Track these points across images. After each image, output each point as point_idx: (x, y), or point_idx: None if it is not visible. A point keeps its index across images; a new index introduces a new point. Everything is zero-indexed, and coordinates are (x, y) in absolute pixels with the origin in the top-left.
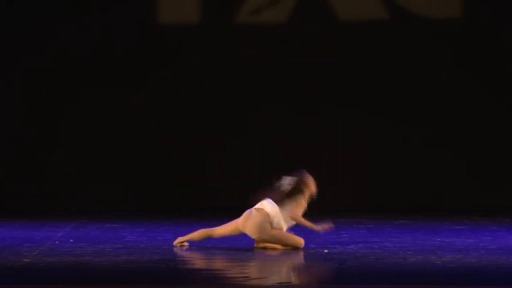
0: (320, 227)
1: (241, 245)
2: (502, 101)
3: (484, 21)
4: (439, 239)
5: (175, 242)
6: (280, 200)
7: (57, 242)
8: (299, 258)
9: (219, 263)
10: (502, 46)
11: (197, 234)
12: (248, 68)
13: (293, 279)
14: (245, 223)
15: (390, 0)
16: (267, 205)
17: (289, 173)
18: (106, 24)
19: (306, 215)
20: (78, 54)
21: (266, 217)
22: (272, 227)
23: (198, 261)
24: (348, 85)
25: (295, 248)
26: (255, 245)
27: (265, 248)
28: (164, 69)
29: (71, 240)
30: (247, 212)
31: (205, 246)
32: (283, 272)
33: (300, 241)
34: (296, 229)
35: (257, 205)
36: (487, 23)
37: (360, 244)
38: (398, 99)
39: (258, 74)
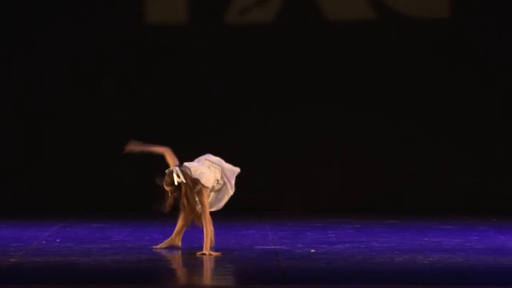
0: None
1: (229, 245)
2: (493, 102)
3: (473, 21)
4: (426, 239)
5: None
6: None
7: (43, 242)
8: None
9: (206, 263)
10: (492, 46)
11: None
12: (236, 67)
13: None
14: None
15: (378, 1)
16: None
17: None
18: (96, 24)
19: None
20: (68, 55)
21: None
22: None
23: (186, 261)
24: (341, 86)
25: None
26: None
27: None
28: (154, 69)
29: (58, 240)
30: None
31: (192, 245)
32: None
33: None
34: None
35: None
36: (475, 23)
37: (347, 244)
38: (389, 99)
39: (246, 74)
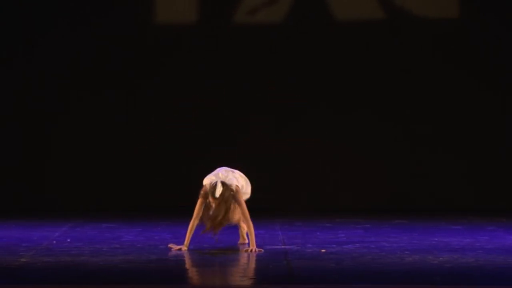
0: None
1: (236, 245)
2: (498, 102)
3: (473, 21)
4: (436, 239)
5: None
6: None
7: (54, 242)
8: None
9: (216, 263)
10: (492, 46)
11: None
12: (244, 68)
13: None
14: None
15: (387, 0)
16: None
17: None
18: (96, 24)
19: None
20: (68, 55)
21: None
22: None
23: (195, 261)
24: (349, 86)
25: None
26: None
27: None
28: (160, 69)
29: (68, 240)
30: None
31: (202, 246)
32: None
33: None
34: None
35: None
36: (475, 23)
37: (357, 244)
38: (394, 100)
39: (254, 74)
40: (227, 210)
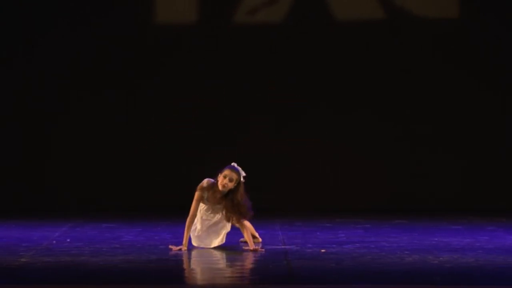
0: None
1: (237, 244)
2: (498, 102)
3: (473, 21)
4: (436, 239)
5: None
6: None
7: (54, 242)
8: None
9: (216, 263)
10: (492, 46)
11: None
12: (244, 68)
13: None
14: None
15: (387, 0)
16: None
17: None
18: (96, 24)
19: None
20: (68, 55)
21: None
22: None
23: (195, 261)
24: (350, 87)
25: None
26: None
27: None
28: (160, 69)
29: (68, 240)
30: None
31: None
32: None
33: None
34: None
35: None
36: (475, 23)
37: (357, 244)
38: (394, 100)
39: (254, 74)
40: (237, 192)
